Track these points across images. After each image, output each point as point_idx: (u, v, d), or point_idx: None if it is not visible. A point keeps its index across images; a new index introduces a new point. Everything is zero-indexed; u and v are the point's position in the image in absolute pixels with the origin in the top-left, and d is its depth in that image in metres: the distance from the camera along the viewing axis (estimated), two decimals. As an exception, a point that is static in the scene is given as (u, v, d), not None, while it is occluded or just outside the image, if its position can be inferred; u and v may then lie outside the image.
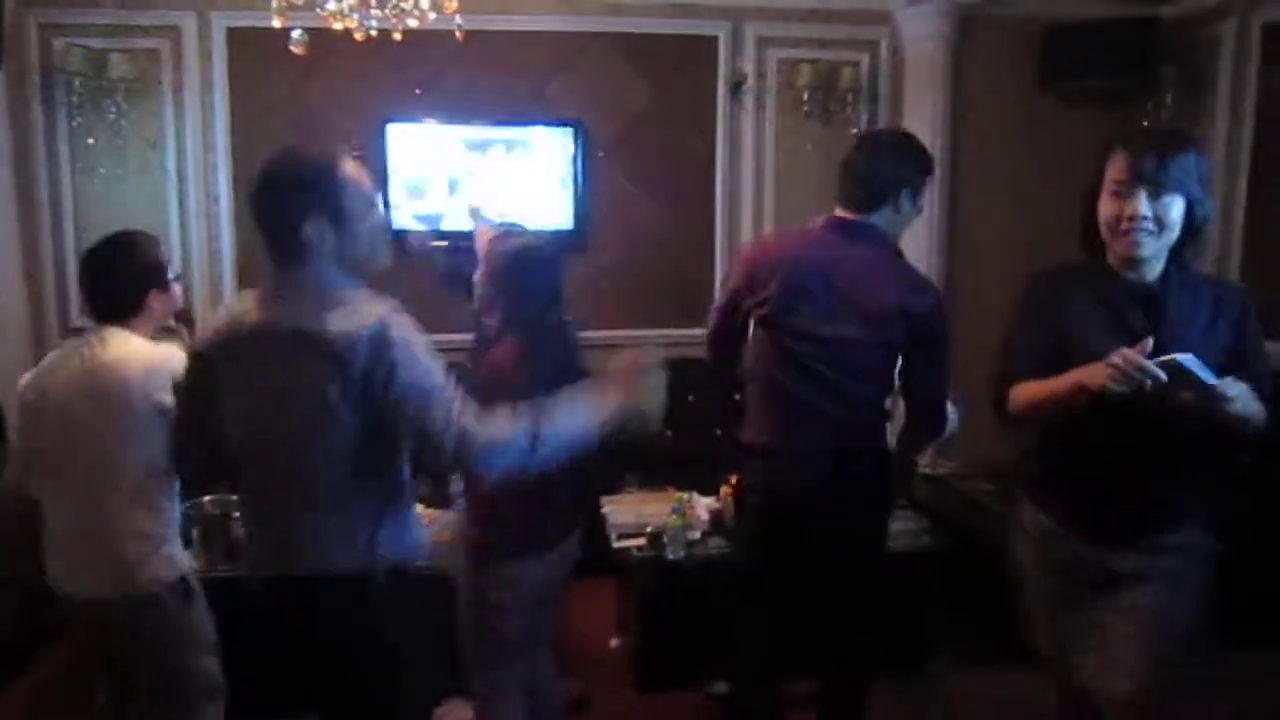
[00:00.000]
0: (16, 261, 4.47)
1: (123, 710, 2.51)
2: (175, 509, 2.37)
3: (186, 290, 4.56)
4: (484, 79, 4.63)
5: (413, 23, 2.76)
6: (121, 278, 2.34)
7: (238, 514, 3.21)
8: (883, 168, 2.50)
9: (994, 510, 3.77)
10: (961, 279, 5.01)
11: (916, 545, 3.50)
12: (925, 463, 4.46)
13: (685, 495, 3.44)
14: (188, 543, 3.08)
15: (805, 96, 4.81)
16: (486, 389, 2.11)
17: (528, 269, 2.46)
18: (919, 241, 4.90)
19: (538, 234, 2.67)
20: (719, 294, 2.75)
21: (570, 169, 4.73)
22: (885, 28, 4.93)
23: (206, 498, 3.26)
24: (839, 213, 2.54)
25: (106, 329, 2.31)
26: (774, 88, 4.88)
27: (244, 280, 4.65)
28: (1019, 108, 4.99)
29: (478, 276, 2.56)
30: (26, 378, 2.38)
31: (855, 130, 4.85)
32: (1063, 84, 4.94)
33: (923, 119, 4.80)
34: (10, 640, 3.41)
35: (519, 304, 2.41)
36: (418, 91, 4.61)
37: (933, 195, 4.86)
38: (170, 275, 2.41)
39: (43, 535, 2.33)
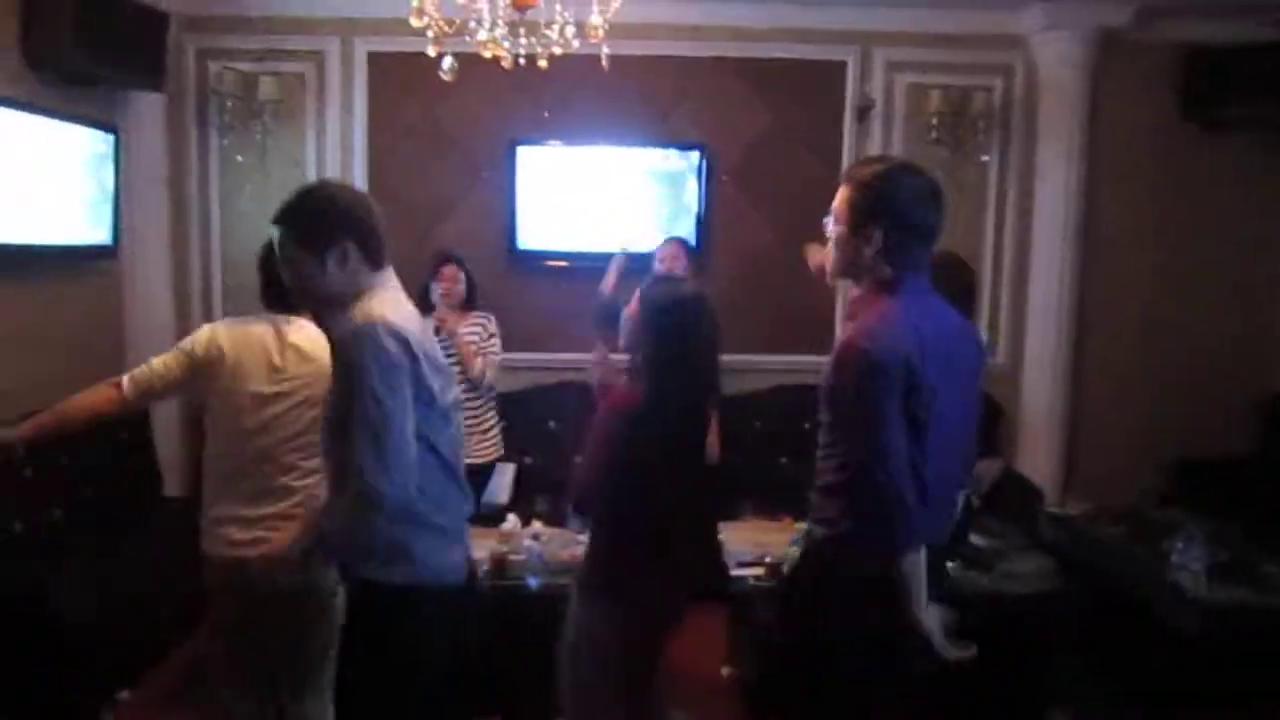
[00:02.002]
0: (167, 273, 4.74)
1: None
2: None
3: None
4: (610, 103, 4.70)
5: (557, 50, 2.83)
6: None
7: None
8: None
9: (1128, 553, 3.62)
10: (1095, 314, 4.84)
11: (1042, 588, 3.37)
12: (1052, 502, 4.32)
13: (804, 526, 3.38)
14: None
15: (934, 123, 4.72)
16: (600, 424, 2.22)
17: (675, 317, 2.42)
18: (1050, 275, 4.77)
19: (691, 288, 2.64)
20: None
21: (693, 192, 4.75)
22: (1019, 52, 4.81)
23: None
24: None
25: (284, 316, 2.45)
26: (902, 113, 4.82)
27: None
28: (1159, 136, 4.80)
29: (625, 314, 2.54)
30: (220, 331, 2.47)
31: (986, 158, 4.74)
32: (1206, 111, 4.73)
33: (1058, 148, 4.68)
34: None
35: (665, 348, 2.38)
36: (546, 115, 4.71)
37: (1066, 225, 4.72)
38: None
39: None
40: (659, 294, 2.46)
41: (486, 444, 3.92)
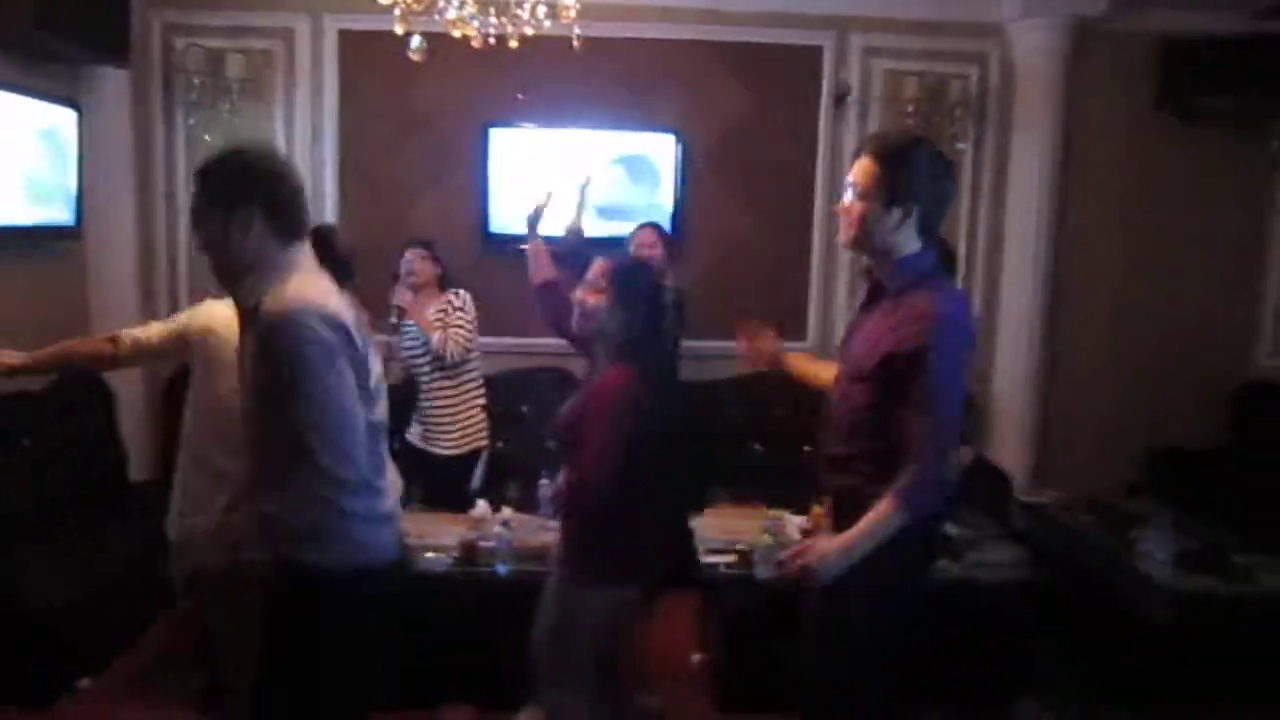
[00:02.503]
0: (132, 252, 4.65)
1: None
2: None
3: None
4: (585, 85, 4.65)
5: (529, 30, 2.78)
6: None
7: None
8: None
9: (1098, 543, 3.64)
10: (1067, 303, 4.86)
11: (1012, 577, 3.39)
12: (1023, 490, 4.34)
13: (777, 514, 3.38)
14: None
15: (911, 110, 4.70)
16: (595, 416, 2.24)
17: (646, 300, 2.45)
18: (1024, 264, 4.78)
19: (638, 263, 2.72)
20: None
21: (668, 177, 4.72)
22: (996, 40, 4.80)
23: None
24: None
25: None
26: (879, 100, 4.80)
27: (344, 278, 4.76)
28: (1133, 126, 4.82)
29: (587, 297, 2.47)
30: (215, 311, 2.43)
31: (962, 146, 4.73)
32: (1180, 102, 4.74)
33: (1032, 135, 4.69)
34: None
35: (634, 330, 2.40)
36: (519, 97, 4.65)
37: (1040, 214, 4.73)
38: None
39: None
40: (625, 273, 2.47)
41: (468, 432, 3.83)
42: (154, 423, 4.58)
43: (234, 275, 1.91)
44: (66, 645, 3.25)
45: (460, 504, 3.64)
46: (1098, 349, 4.94)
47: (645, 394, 2.33)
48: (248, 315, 1.89)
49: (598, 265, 2.47)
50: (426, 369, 3.77)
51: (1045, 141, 4.66)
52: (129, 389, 4.44)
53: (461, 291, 3.78)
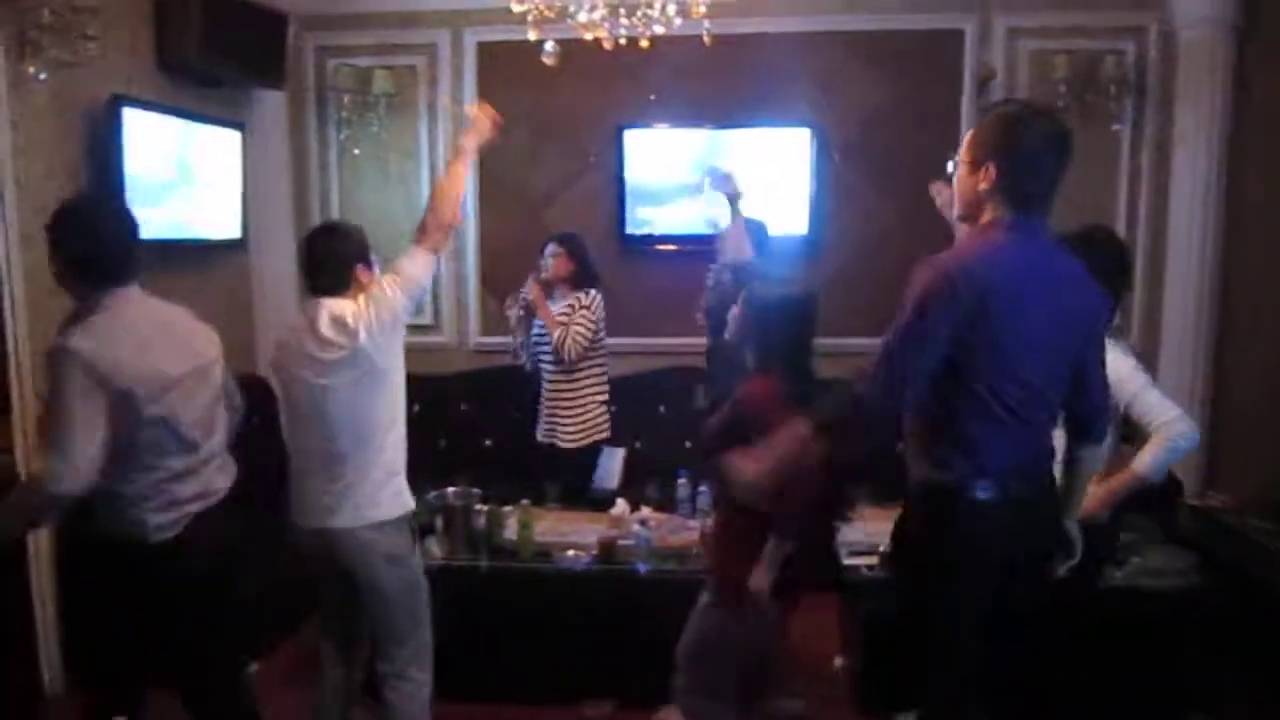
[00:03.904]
0: (290, 261, 4.90)
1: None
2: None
3: (435, 287, 4.90)
4: (717, 83, 4.63)
5: (659, 29, 2.79)
6: (336, 256, 2.56)
7: (479, 506, 3.40)
8: None
9: (1272, 550, 3.37)
10: (1240, 292, 4.50)
11: (1180, 584, 3.17)
12: (1191, 494, 4.06)
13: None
14: (431, 530, 3.30)
15: (1062, 90, 4.45)
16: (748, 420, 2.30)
17: (780, 318, 2.53)
18: (1189, 251, 4.47)
19: (795, 281, 2.76)
20: None
21: (804, 172, 4.65)
22: (1155, 11, 4.49)
23: (450, 489, 3.46)
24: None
25: (326, 300, 2.52)
26: (1025, 82, 4.58)
27: (486, 278, 4.92)
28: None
29: (734, 311, 2.65)
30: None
31: (1118, 127, 4.46)
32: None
33: (1199, 114, 4.35)
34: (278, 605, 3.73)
35: (772, 347, 2.51)
36: (652, 98, 4.68)
37: (1207, 197, 4.41)
38: (372, 256, 2.63)
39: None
40: (762, 295, 2.58)
41: (585, 426, 3.89)
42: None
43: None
44: (245, 632, 3.47)
45: (586, 497, 3.71)
46: (1275, 342, 4.55)
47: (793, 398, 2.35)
48: None
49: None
50: (550, 362, 3.87)
51: (1213, 119, 4.32)
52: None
53: (592, 291, 3.84)
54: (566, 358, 3.77)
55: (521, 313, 3.87)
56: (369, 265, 2.58)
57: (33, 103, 3.25)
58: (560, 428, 3.88)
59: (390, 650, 2.61)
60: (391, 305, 2.45)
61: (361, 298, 2.47)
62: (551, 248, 3.87)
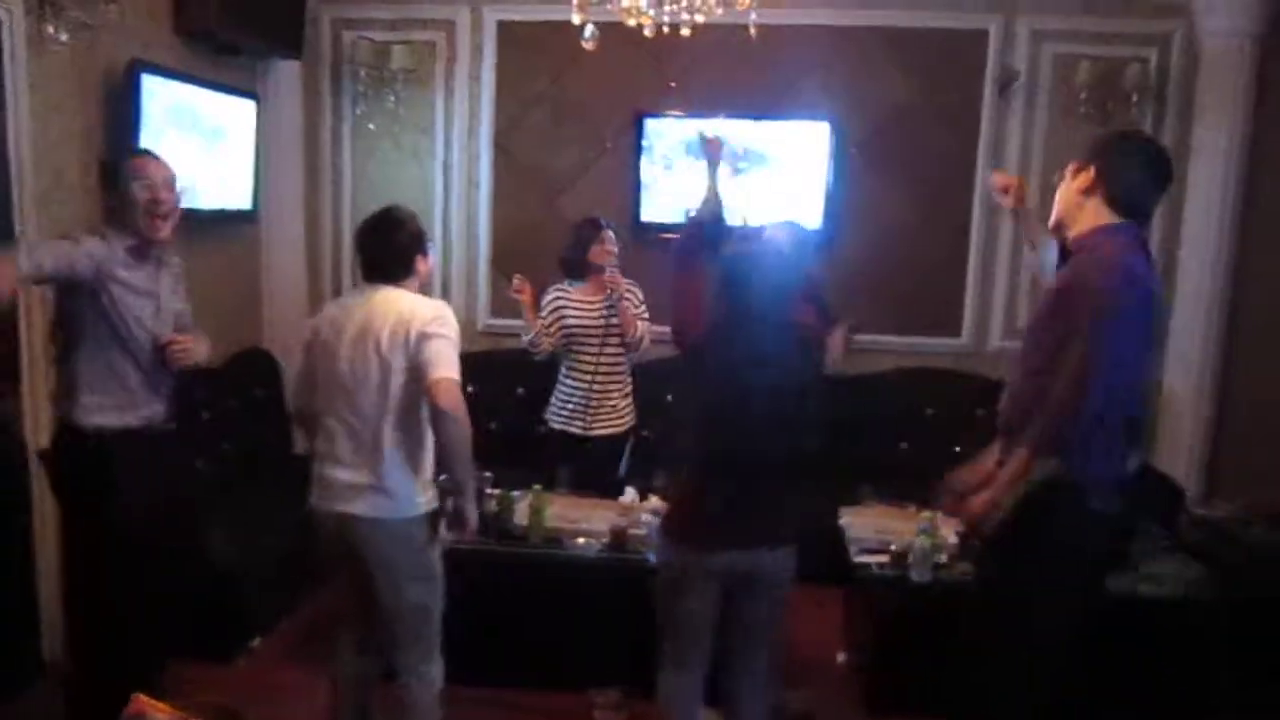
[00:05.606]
0: (299, 233, 4.89)
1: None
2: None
3: (446, 266, 4.87)
4: (737, 73, 4.58)
5: (700, 18, 2.77)
6: (396, 245, 2.57)
7: (492, 490, 3.39)
8: None
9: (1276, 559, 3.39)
10: (1250, 301, 4.51)
11: (1186, 593, 3.19)
12: (1194, 501, 4.08)
13: (930, 515, 3.28)
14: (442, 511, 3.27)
15: (1083, 96, 4.45)
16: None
17: (743, 276, 2.60)
18: (1201, 263, 4.47)
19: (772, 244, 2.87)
20: None
21: (821, 166, 4.63)
22: (1180, 20, 4.47)
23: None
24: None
25: (385, 287, 2.53)
26: (1048, 86, 4.57)
27: (497, 260, 4.88)
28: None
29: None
30: (323, 313, 2.66)
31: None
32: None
33: (1220, 126, 4.34)
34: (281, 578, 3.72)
35: (735, 304, 2.59)
36: (672, 85, 4.64)
37: (1224, 209, 4.41)
38: (429, 244, 2.66)
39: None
40: (729, 256, 2.69)
41: (622, 413, 3.83)
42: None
43: None
44: (245, 606, 3.46)
45: (610, 487, 3.68)
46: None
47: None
48: None
49: None
50: (594, 347, 3.73)
51: (1233, 132, 4.31)
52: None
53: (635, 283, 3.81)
54: (642, 349, 3.79)
55: (613, 302, 3.69)
56: (425, 254, 2.62)
57: (52, 65, 3.20)
58: (605, 417, 3.77)
59: (404, 641, 2.59)
60: (455, 349, 2.50)
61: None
62: (608, 231, 3.77)
